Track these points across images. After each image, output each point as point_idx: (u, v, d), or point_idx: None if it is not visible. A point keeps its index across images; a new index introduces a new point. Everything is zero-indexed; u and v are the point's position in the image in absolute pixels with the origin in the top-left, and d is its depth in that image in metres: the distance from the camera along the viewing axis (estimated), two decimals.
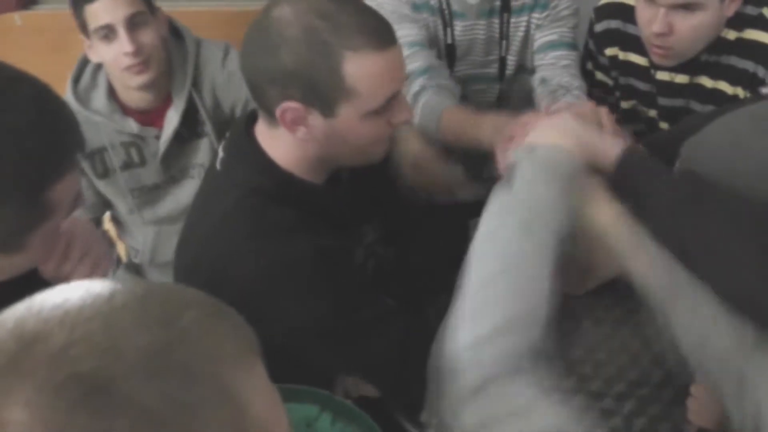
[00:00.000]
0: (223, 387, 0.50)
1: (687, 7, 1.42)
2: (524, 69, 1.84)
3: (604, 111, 1.28)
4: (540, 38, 1.77)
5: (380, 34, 1.14)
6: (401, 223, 1.43)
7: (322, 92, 1.12)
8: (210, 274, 1.20)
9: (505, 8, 1.72)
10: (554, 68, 1.75)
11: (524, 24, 1.75)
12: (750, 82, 1.52)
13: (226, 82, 1.83)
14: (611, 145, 1.12)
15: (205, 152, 1.84)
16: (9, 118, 0.83)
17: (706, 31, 1.48)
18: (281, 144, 1.21)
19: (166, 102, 1.78)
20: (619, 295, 1.50)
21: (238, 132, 1.26)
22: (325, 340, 1.19)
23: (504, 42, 1.75)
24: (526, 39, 1.78)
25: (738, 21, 1.49)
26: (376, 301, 1.23)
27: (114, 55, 1.62)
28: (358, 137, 1.18)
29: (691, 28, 1.46)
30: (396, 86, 1.18)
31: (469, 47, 1.76)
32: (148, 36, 1.64)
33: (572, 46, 1.78)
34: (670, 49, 1.50)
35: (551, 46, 1.76)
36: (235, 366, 0.52)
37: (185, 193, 1.85)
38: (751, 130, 1.07)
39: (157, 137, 1.79)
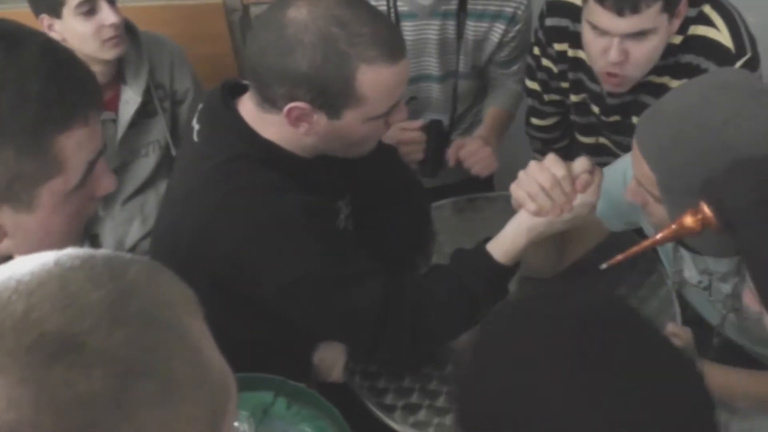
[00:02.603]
0: (177, 329, 0.53)
1: (641, 33, 1.42)
2: (477, 69, 1.85)
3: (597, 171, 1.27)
4: (506, 58, 1.83)
5: (393, 46, 1.16)
6: (369, 201, 1.44)
7: (331, 98, 1.15)
8: (193, 234, 1.19)
9: (462, 9, 1.72)
10: (508, 77, 1.87)
11: (483, 29, 1.76)
12: (695, 73, 1.50)
13: (181, 64, 1.94)
14: None
15: (159, 130, 1.92)
16: (14, 60, 0.82)
17: (659, 51, 1.48)
18: (274, 126, 1.20)
19: (116, 84, 1.85)
20: (593, 274, 1.50)
21: (215, 103, 1.25)
22: (310, 291, 1.19)
23: (460, 41, 1.75)
24: (483, 43, 1.78)
25: (682, 25, 1.50)
26: (363, 259, 1.24)
27: (95, 28, 1.70)
28: (356, 136, 1.22)
29: (645, 53, 1.46)
30: (400, 93, 1.21)
31: (423, 47, 1.76)
32: (119, 13, 1.74)
33: (526, 56, 1.84)
34: (625, 77, 1.51)
35: (514, 62, 1.84)
36: (182, 311, 0.55)
37: (140, 172, 1.94)
38: (701, 99, 1.07)
39: (114, 121, 1.85)
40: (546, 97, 1.81)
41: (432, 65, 1.77)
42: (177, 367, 0.52)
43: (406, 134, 1.62)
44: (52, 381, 0.47)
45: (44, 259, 0.53)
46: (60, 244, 0.88)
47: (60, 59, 0.86)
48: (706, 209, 1.00)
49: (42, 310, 0.49)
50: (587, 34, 1.48)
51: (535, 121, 1.90)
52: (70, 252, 0.54)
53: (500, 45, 1.79)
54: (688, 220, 1.04)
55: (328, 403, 1.18)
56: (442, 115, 1.81)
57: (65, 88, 0.84)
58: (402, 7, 1.70)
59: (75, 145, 0.86)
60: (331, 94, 1.14)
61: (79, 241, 0.98)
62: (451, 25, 1.72)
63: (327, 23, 1.11)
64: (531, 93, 1.84)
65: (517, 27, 1.76)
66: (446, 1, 1.68)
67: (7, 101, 0.81)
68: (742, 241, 0.95)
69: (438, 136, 1.75)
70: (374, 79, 1.14)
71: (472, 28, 1.74)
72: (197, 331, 0.55)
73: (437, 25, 1.72)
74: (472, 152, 1.69)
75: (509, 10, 1.74)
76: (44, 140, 0.83)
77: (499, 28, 1.75)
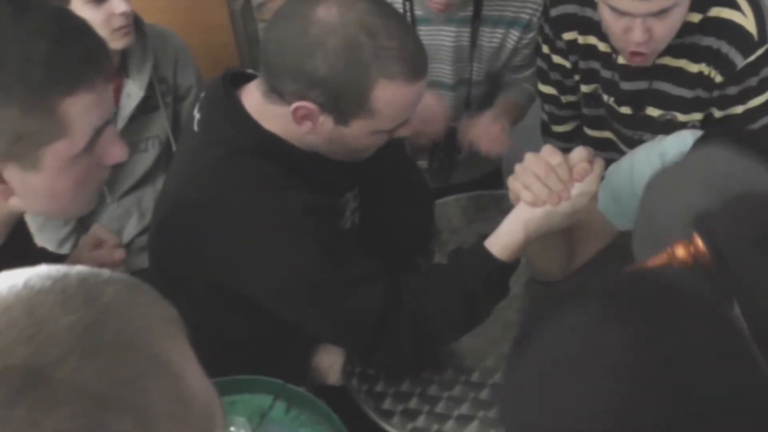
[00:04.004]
0: (156, 356, 0.50)
1: (664, 11, 1.39)
2: (492, 77, 1.83)
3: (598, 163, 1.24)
4: (520, 62, 1.80)
5: (416, 65, 1.13)
6: (374, 196, 1.41)
7: (342, 106, 1.12)
8: (190, 227, 1.17)
9: (477, 17, 1.68)
10: (522, 80, 1.84)
11: (499, 37, 1.73)
12: (714, 58, 1.50)
13: (185, 60, 1.91)
14: None
15: (160, 125, 1.89)
16: (23, 22, 0.85)
17: (680, 23, 1.45)
18: (277, 118, 1.18)
19: (118, 77, 1.82)
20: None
21: (217, 93, 1.22)
22: (309, 294, 1.17)
23: (474, 49, 1.72)
24: (499, 50, 1.75)
25: (702, 3, 1.47)
26: (363, 261, 1.21)
27: (105, 17, 1.67)
28: (358, 145, 1.20)
29: (668, 27, 1.42)
30: (412, 112, 1.19)
31: (435, 53, 1.72)
32: (129, 2, 1.71)
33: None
34: (649, 53, 1.47)
35: (528, 67, 1.81)
36: (162, 335, 0.52)
37: (139, 166, 1.91)
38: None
39: (114, 113, 1.81)
40: (563, 99, 1.76)
41: (445, 72, 1.74)
42: (155, 400, 0.48)
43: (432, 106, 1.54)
44: (16, 420, 0.43)
45: (13, 280, 0.50)
46: (69, 207, 0.97)
47: (70, 25, 0.88)
48: (699, 242, 0.98)
49: (6, 339, 0.45)
50: (606, 15, 1.44)
51: (556, 128, 1.83)
52: (42, 271, 0.51)
53: (515, 51, 1.76)
54: (680, 252, 1.01)
55: (327, 408, 1.16)
56: (454, 122, 1.77)
57: (72, 52, 0.86)
58: (417, 11, 1.66)
59: (80, 110, 0.87)
60: (343, 102, 1.12)
61: (91, 206, 1.02)
62: (465, 32, 1.69)
63: (356, 31, 1.08)
64: (547, 98, 1.78)
65: (531, 34, 1.73)
66: (462, 7, 1.65)
67: (13, 62, 0.83)
68: (735, 278, 0.91)
69: (450, 143, 1.72)
70: (390, 95, 1.12)
71: (487, 35, 1.71)
72: (178, 357, 0.51)
73: (452, 31, 1.69)
74: (482, 131, 1.65)
75: (525, 16, 1.71)
76: (49, 102, 0.85)
77: (514, 35, 1.72)
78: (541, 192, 1.17)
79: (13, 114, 0.84)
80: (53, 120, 0.86)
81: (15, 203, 0.93)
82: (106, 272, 0.53)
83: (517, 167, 1.20)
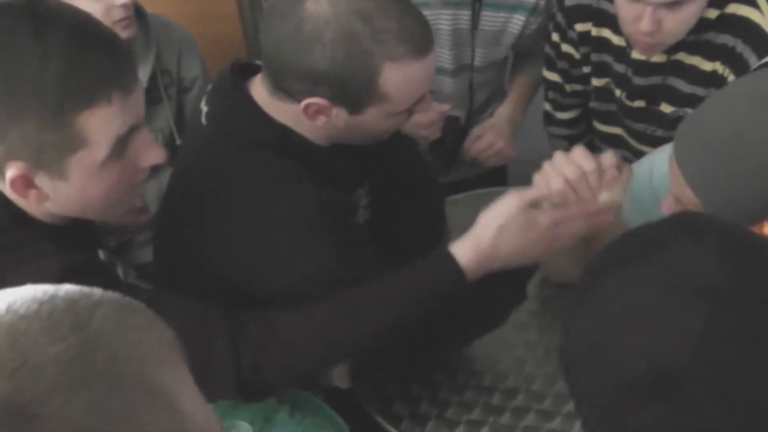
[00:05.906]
0: (150, 386, 0.46)
1: (676, 3, 1.35)
2: (496, 62, 1.79)
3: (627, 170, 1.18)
4: (530, 42, 1.77)
5: (421, 40, 1.09)
6: (385, 193, 1.38)
7: (353, 95, 1.09)
8: (201, 221, 1.15)
9: None
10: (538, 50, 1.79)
11: (501, 20, 1.69)
12: (729, 56, 1.45)
13: (190, 51, 1.87)
14: None
15: (163, 118, 1.84)
16: (39, 41, 0.86)
17: (694, 19, 1.41)
18: (288, 113, 1.14)
19: None
20: None
21: (226, 85, 1.19)
22: (322, 292, 1.12)
23: (475, 32, 1.68)
24: (500, 35, 1.71)
25: None
26: (373, 260, 1.17)
27: (105, 9, 1.64)
28: (377, 129, 1.17)
29: (680, 22, 1.39)
30: (427, 88, 1.15)
31: (434, 38, 1.68)
32: None
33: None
34: (657, 44, 1.44)
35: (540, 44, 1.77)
36: (158, 362, 0.48)
37: None
38: (752, 116, 0.98)
39: None
40: (568, 88, 1.73)
41: (444, 58, 1.70)
42: None
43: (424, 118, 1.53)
44: None
45: None
46: (102, 210, 1.00)
47: (84, 42, 0.89)
48: None
49: None
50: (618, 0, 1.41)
51: (560, 115, 1.81)
52: (27, 294, 0.46)
53: (521, 36, 1.72)
54: None
55: (333, 413, 1.14)
56: (458, 111, 1.75)
57: (85, 70, 0.88)
58: None
59: (98, 123, 0.89)
60: (353, 92, 1.08)
61: (131, 204, 1.07)
62: (464, 15, 1.66)
63: (349, 19, 1.04)
64: (552, 86, 1.76)
65: (540, 18, 1.69)
66: None
67: (30, 79, 0.85)
68: None
69: (454, 134, 1.69)
70: (400, 76, 1.07)
71: (488, 18, 1.67)
72: (175, 384, 0.48)
73: (449, 14, 1.65)
74: (488, 146, 1.70)
75: (530, 0, 1.67)
76: (65, 118, 0.87)
77: (518, 19, 1.68)
78: (568, 196, 1.12)
79: (32, 128, 0.86)
80: (71, 133, 0.88)
81: (50, 207, 0.94)
82: (97, 292, 0.49)
83: (546, 165, 1.14)
